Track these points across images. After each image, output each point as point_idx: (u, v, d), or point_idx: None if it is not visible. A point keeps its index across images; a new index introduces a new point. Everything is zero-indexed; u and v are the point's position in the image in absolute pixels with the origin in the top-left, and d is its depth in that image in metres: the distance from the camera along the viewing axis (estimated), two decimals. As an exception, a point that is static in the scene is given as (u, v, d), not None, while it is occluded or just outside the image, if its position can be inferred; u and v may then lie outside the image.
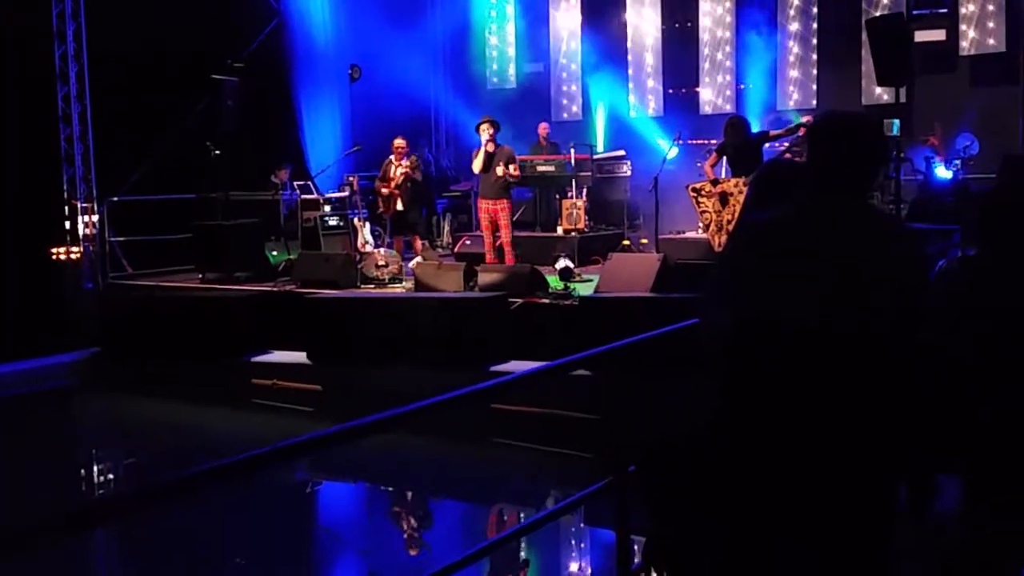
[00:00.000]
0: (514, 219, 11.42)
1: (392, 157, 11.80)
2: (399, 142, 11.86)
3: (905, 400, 2.57)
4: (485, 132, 10.76)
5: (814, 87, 14.25)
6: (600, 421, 7.41)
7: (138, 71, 12.03)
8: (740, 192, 9.96)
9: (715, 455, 2.64)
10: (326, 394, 9.48)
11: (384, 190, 11.79)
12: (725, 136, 10.30)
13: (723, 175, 10.71)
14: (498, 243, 10.94)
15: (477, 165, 10.86)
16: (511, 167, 10.75)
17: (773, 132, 10.74)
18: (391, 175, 11.73)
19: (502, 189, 10.80)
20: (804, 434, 2.50)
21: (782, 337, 2.52)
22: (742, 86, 14.75)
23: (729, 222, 10.05)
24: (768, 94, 14.45)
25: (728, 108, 14.46)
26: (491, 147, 10.69)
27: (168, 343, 10.26)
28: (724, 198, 10.10)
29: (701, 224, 10.86)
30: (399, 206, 11.73)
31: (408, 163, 11.73)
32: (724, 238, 10.07)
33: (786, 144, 10.93)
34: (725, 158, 10.53)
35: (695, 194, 10.41)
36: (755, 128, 11.47)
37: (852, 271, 2.56)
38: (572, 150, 13.49)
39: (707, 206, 10.30)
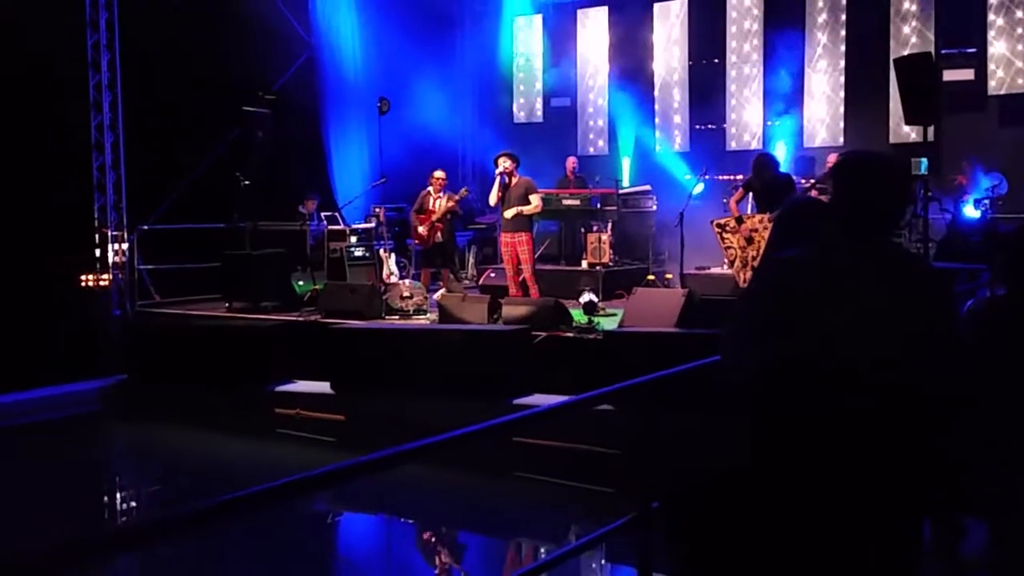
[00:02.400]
0: (539, 253, 11.33)
1: (430, 188, 11.61)
2: (439, 174, 11.70)
3: (934, 436, 2.55)
4: (500, 165, 10.78)
5: (841, 125, 14.23)
6: (623, 456, 7.38)
7: (170, 101, 12.22)
8: (765, 229, 9.94)
9: (745, 492, 2.62)
10: (349, 424, 9.47)
11: (423, 224, 11.51)
12: (753, 172, 10.30)
13: (748, 211, 10.70)
14: (521, 276, 10.91)
15: (492, 197, 10.89)
16: (532, 197, 10.68)
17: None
18: (429, 207, 11.51)
19: (520, 222, 10.75)
20: (839, 471, 2.48)
21: (814, 376, 2.51)
22: (769, 123, 14.76)
23: (754, 258, 10.03)
24: (795, 131, 14.45)
25: (754, 145, 14.47)
26: (507, 179, 10.70)
27: (194, 371, 10.31)
28: (749, 235, 10.10)
29: (726, 260, 10.84)
30: (439, 237, 11.57)
31: (457, 195, 11.65)
32: (749, 274, 10.04)
33: (812, 181, 10.91)
34: (751, 194, 10.53)
35: (719, 230, 10.41)
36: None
37: (879, 309, 2.55)
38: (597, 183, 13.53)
39: (731, 242, 10.29)
